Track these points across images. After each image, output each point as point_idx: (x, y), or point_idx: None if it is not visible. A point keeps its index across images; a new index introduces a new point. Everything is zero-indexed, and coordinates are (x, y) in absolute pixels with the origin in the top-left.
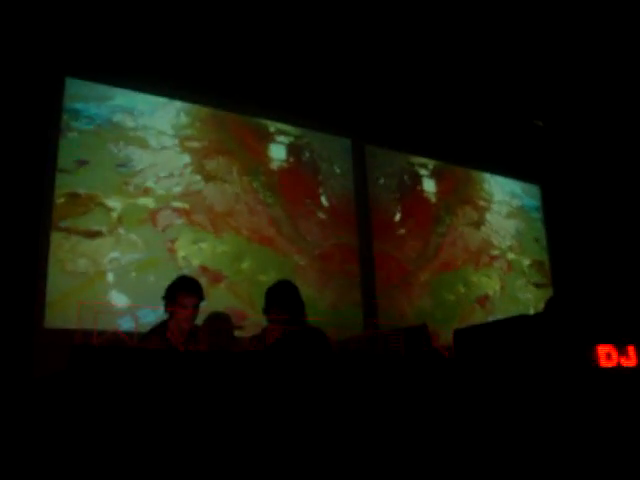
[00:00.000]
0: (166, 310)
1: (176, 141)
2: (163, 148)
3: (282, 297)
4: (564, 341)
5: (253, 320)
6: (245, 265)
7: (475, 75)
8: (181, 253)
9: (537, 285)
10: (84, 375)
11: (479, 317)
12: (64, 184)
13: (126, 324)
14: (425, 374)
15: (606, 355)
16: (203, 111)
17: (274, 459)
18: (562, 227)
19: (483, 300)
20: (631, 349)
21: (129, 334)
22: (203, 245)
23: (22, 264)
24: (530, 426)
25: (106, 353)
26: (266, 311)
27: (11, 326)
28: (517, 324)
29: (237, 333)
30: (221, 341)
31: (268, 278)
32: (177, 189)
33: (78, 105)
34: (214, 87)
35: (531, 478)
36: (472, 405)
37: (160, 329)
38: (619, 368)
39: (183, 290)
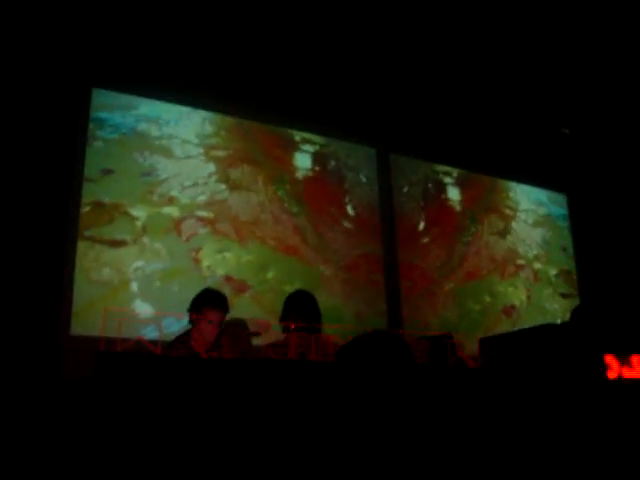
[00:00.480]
0: (191, 322)
1: (201, 150)
2: (188, 157)
3: (300, 305)
4: (588, 350)
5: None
6: (270, 275)
7: (501, 82)
8: (205, 262)
9: (564, 295)
10: (108, 381)
11: (505, 327)
12: (89, 193)
13: (150, 333)
14: (450, 382)
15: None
16: (228, 120)
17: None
18: (589, 236)
19: (509, 310)
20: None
21: (153, 342)
22: (227, 254)
23: (49, 272)
24: (551, 435)
25: (130, 360)
26: (283, 318)
27: (38, 333)
28: (543, 333)
29: (255, 341)
30: (241, 347)
31: (293, 288)
32: (202, 198)
33: (103, 114)
34: (238, 96)
35: None
36: (495, 414)
37: (184, 338)
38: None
39: (210, 304)
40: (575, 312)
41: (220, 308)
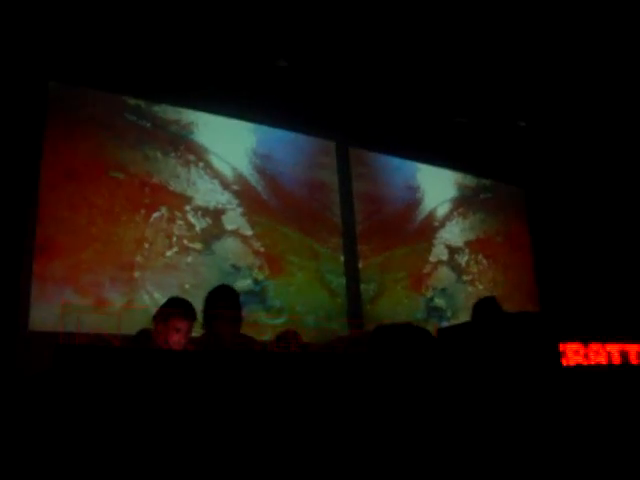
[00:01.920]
0: (156, 331)
1: None
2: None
3: (227, 298)
4: (543, 338)
5: None
6: None
7: (457, 75)
8: None
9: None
10: (68, 374)
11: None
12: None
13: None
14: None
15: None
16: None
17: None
18: (546, 231)
19: None
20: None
21: (113, 336)
22: None
23: (5, 267)
24: (507, 424)
25: (90, 352)
26: (207, 311)
27: None
28: (501, 321)
29: None
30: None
31: None
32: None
33: None
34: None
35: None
36: (455, 402)
37: (144, 337)
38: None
39: (177, 314)
40: (476, 307)
41: (187, 316)
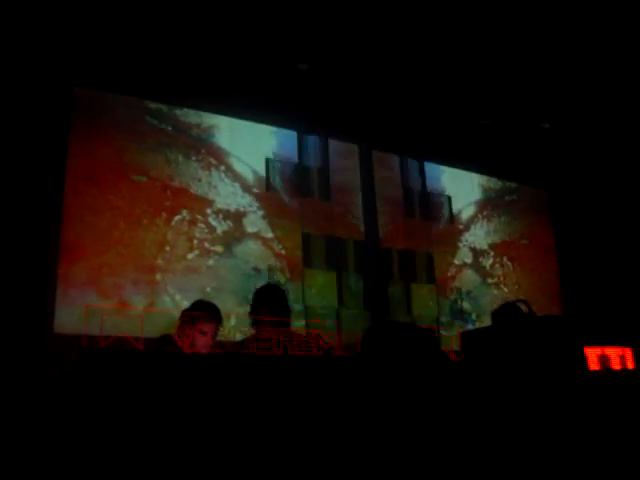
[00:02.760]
0: (181, 331)
1: None
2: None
3: (271, 300)
4: (569, 343)
5: None
6: None
7: (481, 79)
8: None
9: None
10: (90, 378)
11: None
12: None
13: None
14: (433, 376)
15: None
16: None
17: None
18: (570, 233)
19: None
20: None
21: (136, 338)
22: None
23: (32, 271)
24: (534, 428)
25: (113, 356)
26: (253, 312)
27: (23, 332)
28: (525, 325)
29: None
30: None
31: None
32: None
33: None
34: (227, 95)
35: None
36: (479, 408)
37: (166, 341)
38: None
39: (203, 317)
40: (495, 314)
41: (214, 320)
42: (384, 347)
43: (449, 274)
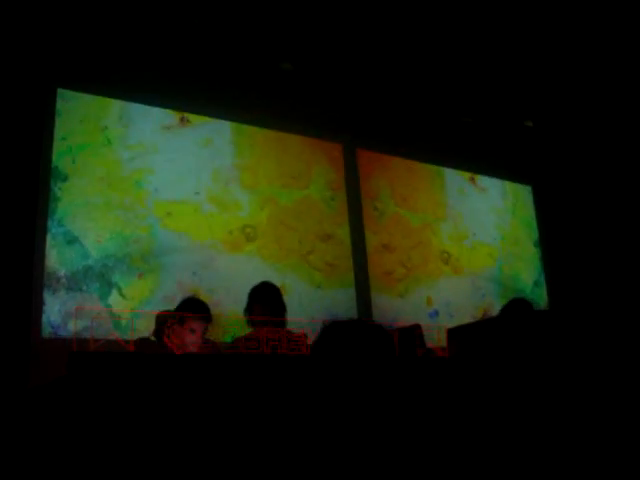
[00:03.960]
0: (169, 330)
1: None
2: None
3: (265, 298)
4: (557, 339)
5: None
6: None
7: (464, 76)
8: None
9: None
10: (82, 381)
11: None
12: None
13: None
14: (420, 374)
15: None
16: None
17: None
18: (555, 227)
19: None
20: None
21: (126, 340)
22: None
23: (18, 273)
24: (523, 426)
25: (103, 359)
26: (248, 311)
27: (8, 336)
28: (512, 321)
29: None
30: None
31: None
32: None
33: None
34: (212, 94)
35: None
36: (469, 405)
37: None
38: None
39: (192, 315)
40: (505, 310)
41: (204, 318)
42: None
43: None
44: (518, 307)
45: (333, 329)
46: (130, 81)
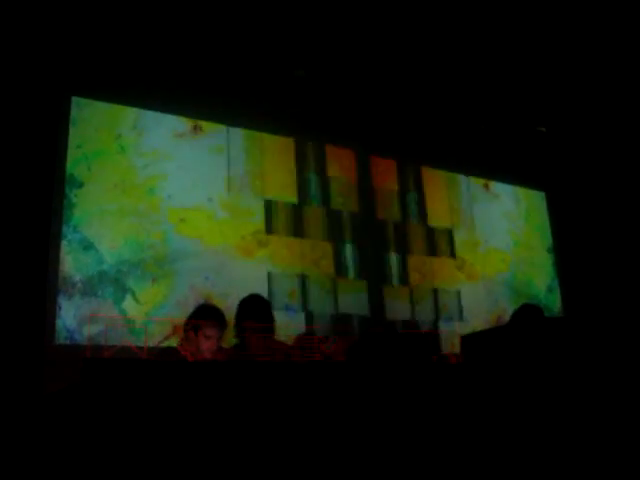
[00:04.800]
0: (185, 339)
1: None
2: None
3: (255, 311)
4: (571, 347)
5: None
6: None
7: (477, 81)
8: None
9: None
10: (96, 388)
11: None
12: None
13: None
14: (434, 380)
15: None
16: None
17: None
18: (569, 233)
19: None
20: None
21: (140, 348)
22: None
23: (32, 280)
24: (536, 433)
25: (118, 366)
26: (239, 322)
27: (23, 342)
28: (525, 329)
29: None
30: None
31: None
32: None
33: None
34: (224, 102)
35: None
36: (481, 411)
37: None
38: None
39: (207, 321)
40: (516, 315)
41: (219, 324)
42: (374, 354)
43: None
44: (529, 313)
45: (370, 339)
46: (144, 89)
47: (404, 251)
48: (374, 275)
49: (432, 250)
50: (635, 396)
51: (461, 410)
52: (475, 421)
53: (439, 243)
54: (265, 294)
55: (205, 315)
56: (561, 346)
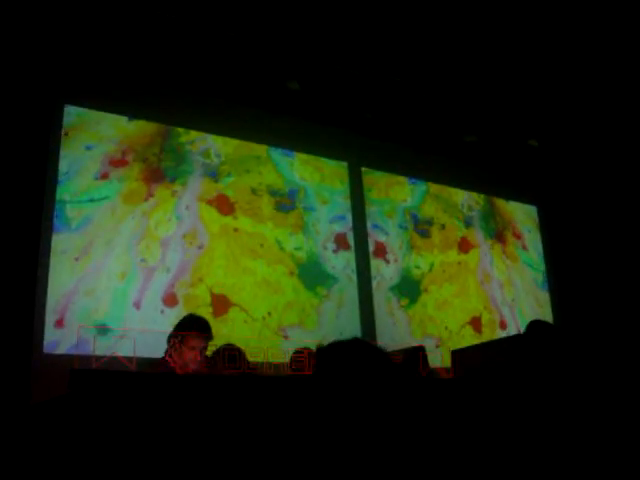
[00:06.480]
0: (171, 350)
1: None
2: None
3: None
4: (559, 359)
5: None
6: None
7: (469, 95)
8: None
9: None
10: (84, 399)
11: None
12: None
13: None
14: (423, 395)
15: None
16: None
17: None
18: (562, 247)
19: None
20: None
21: (128, 359)
22: None
23: (20, 288)
24: (526, 446)
25: (105, 377)
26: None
27: (9, 351)
28: (514, 343)
29: None
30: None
31: None
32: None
33: None
34: (214, 112)
35: None
36: (472, 424)
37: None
38: None
39: (194, 331)
40: (531, 326)
41: (203, 335)
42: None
43: None
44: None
45: (335, 349)
46: (134, 97)
47: None
48: (365, 286)
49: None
50: (629, 409)
51: (453, 424)
52: (468, 434)
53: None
54: None
55: (190, 326)
56: (553, 359)
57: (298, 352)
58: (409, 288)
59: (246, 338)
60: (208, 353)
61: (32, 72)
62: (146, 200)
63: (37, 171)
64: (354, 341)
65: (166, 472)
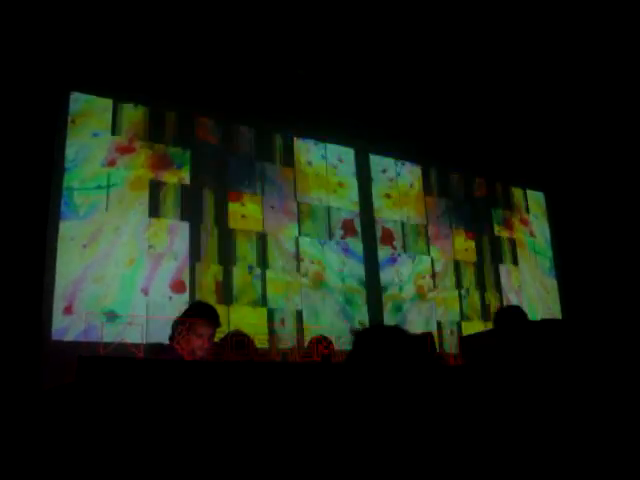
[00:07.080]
0: (178, 337)
1: None
2: None
3: (210, 313)
4: (566, 348)
5: None
6: None
7: (477, 82)
8: None
9: None
10: (92, 386)
11: None
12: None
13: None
14: (431, 381)
15: None
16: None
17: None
18: (569, 233)
19: None
20: None
21: (135, 345)
22: None
23: (28, 276)
24: (534, 433)
25: (114, 364)
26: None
27: (18, 338)
28: (523, 330)
29: None
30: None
31: None
32: None
33: None
34: (222, 99)
35: None
36: (479, 412)
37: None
38: None
39: (201, 318)
40: (498, 315)
41: (211, 321)
42: (373, 354)
43: None
44: (511, 315)
45: (376, 334)
46: (141, 84)
47: None
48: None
49: None
50: (634, 397)
51: (461, 411)
52: (475, 422)
53: None
54: None
55: (197, 313)
56: (560, 348)
57: (317, 340)
58: None
59: (254, 324)
60: (216, 340)
61: (38, 59)
62: None
63: (44, 159)
64: (394, 328)
65: (175, 459)
